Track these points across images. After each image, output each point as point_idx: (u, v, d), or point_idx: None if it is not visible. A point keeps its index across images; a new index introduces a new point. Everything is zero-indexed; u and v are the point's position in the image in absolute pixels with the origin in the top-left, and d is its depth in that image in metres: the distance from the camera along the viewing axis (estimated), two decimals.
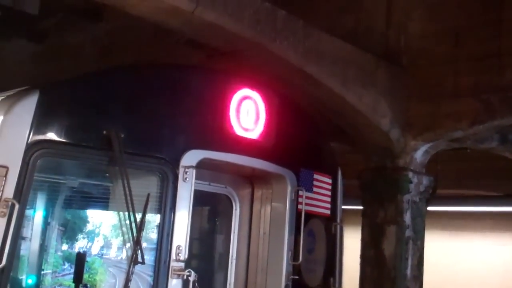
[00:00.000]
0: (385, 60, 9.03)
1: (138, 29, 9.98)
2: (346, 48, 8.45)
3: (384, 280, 8.88)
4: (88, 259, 5.75)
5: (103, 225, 6.27)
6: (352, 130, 9.24)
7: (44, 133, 5.29)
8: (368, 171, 9.30)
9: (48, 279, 5.75)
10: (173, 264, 5.72)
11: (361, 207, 9.38)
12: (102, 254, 6.49)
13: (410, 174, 9.01)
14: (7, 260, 4.90)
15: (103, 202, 6.04)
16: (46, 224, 6.13)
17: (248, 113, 6.54)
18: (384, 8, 9.44)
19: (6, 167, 5.05)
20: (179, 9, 6.53)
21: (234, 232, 6.95)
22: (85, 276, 5.66)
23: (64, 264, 6.33)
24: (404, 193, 8.94)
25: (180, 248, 5.75)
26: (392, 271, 8.83)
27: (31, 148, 5.19)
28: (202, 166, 6.12)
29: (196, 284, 5.76)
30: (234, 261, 6.88)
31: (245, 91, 6.54)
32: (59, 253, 6.11)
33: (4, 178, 5.03)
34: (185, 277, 5.71)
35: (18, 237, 5.10)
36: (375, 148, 9.15)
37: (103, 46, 11.74)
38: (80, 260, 5.52)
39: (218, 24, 6.88)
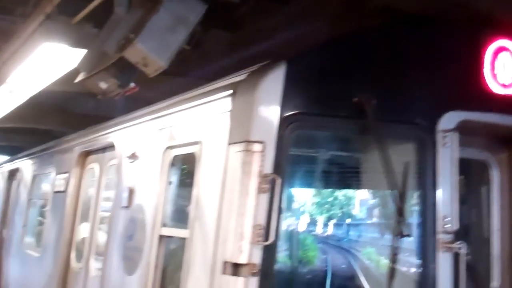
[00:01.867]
0: None
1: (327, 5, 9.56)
2: None
3: None
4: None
5: (357, 200, 5.99)
6: None
7: (294, 105, 5.10)
8: None
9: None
10: (441, 236, 5.26)
11: None
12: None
13: None
14: (275, 236, 4.76)
15: (356, 175, 5.75)
16: (298, 200, 5.97)
17: (504, 66, 5.86)
18: None
19: (263, 142, 4.92)
20: None
21: (494, 201, 6.31)
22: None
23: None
24: None
25: (448, 219, 5.27)
26: None
27: (284, 121, 5.02)
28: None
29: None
30: (497, 232, 6.24)
31: (500, 42, 5.86)
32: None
33: (262, 153, 4.90)
34: (455, 250, 5.23)
35: (281, 213, 4.95)
36: None
37: (293, 29, 11.46)
38: None
39: None
